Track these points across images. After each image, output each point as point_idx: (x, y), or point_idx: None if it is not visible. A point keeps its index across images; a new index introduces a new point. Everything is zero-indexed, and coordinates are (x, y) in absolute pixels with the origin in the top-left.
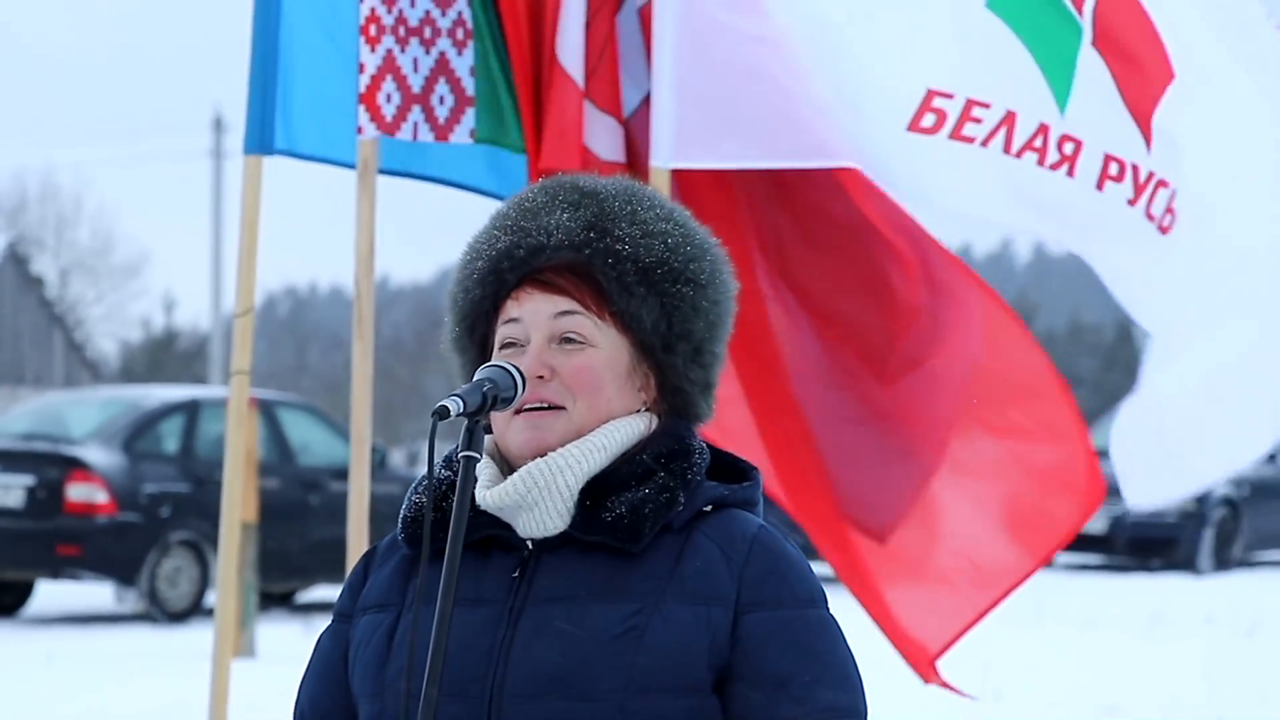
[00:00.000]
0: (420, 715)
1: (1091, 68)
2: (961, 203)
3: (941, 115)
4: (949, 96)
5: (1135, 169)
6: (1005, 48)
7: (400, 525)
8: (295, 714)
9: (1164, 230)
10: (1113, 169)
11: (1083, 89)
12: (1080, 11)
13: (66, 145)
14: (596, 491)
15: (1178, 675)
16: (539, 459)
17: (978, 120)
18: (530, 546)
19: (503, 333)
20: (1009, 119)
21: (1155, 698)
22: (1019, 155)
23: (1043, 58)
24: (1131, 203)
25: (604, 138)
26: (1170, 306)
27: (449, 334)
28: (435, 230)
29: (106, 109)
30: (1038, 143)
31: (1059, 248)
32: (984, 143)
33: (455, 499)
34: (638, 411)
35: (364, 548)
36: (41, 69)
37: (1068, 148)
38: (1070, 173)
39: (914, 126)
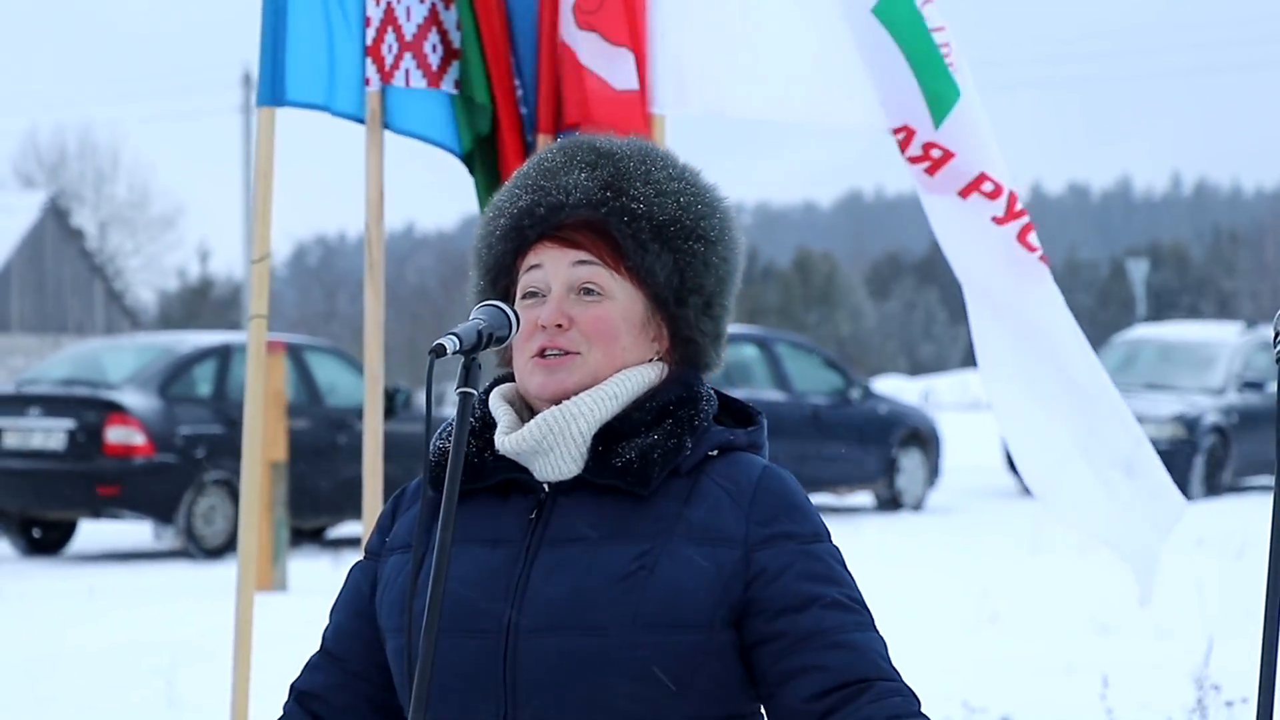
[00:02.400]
0: (422, 645)
1: (969, 112)
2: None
3: None
4: None
5: (1012, 196)
6: (888, 55)
7: (425, 470)
8: (322, 638)
9: (1045, 261)
10: (986, 186)
11: (959, 119)
12: (955, 72)
13: (103, 103)
14: (608, 437)
15: (1169, 595)
16: (554, 407)
17: None
18: (547, 489)
19: (524, 282)
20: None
21: (1149, 618)
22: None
23: (923, 77)
24: (999, 221)
25: (618, 68)
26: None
27: (473, 287)
28: (460, 179)
29: (141, 68)
30: (899, 136)
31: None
32: None
33: (453, 433)
34: (650, 361)
35: (379, 484)
36: (79, 31)
37: (935, 152)
38: (931, 171)
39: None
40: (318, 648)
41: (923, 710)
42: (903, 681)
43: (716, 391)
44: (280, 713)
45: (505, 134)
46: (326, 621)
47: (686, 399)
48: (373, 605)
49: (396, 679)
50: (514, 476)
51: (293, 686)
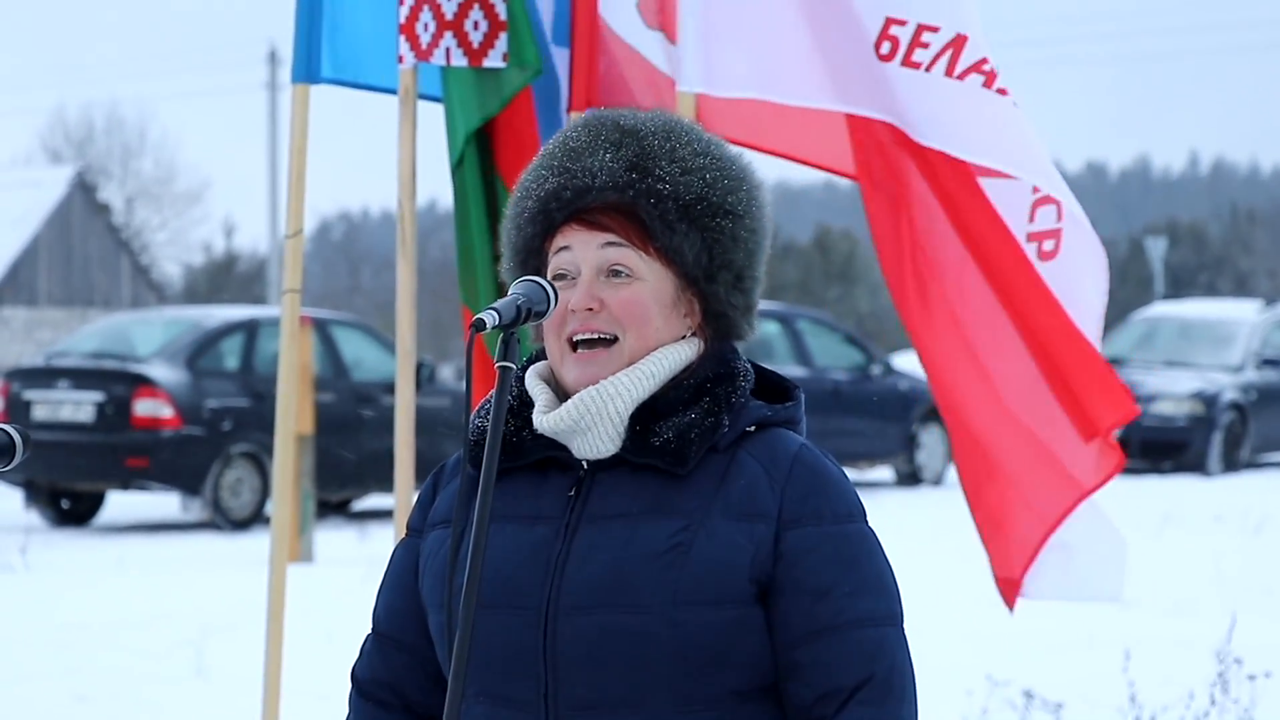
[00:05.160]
0: (460, 620)
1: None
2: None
3: (895, 43)
4: (903, 23)
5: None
6: None
7: (464, 448)
8: (372, 620)
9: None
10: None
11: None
12: None
13: (131, 80)
14: (646, 416)
15: (1188, 571)
16: (592, 387)
17: (925, 45)
18: (586, 467)
19: (554, 264)
20: (956, 42)
21: (1167, 592)
22: (962, 78)
23: None
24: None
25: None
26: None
27: (505, 267)
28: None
29: (168, 45)
30: (985, 67)
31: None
32: (928, 68)
33: (493, 407)
34: (684, 337)
35: (411, 458)
36: (107, 7)
37: (986, 66)
38: (1017, 102)
39: (876, 55)
40: (370, 631)
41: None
42: (900, 684)
43: (754, 365)
44: (346, 706)
45: (521, 108)
46: (374, 604)
47: (723, 375)
48: (417, 581)
49: (439, 654)
50: (553, 454)
51: (352, 675)
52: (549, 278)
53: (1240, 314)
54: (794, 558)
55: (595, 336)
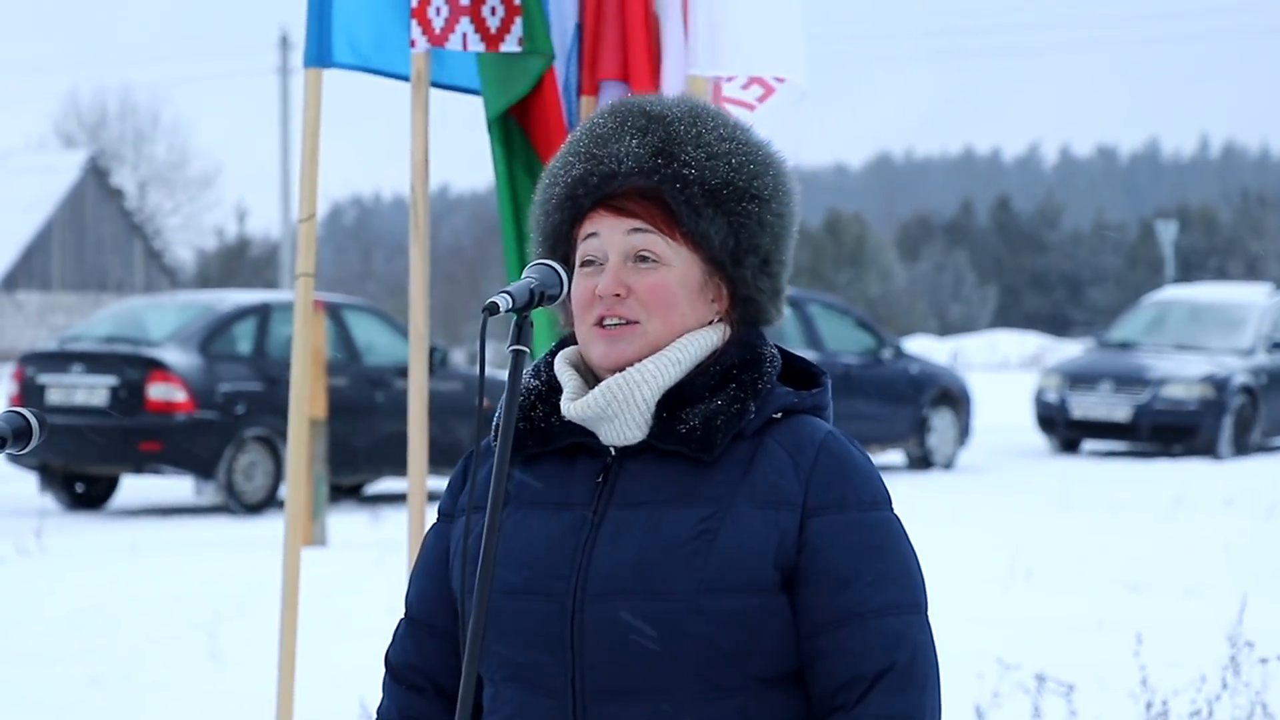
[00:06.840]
0: (474, 604)
1: None
2: None
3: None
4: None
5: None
6: None
7: (493, 433)
8: (405, 605)
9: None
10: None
11: None
12: None
13: (144, 64)
14: (672, 403)
15: (1199, 554)
16: (618, 374)
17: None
18: (613, 453)
19: (582, 250)
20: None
21: (1177, 576)
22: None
23: None
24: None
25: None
26: None
27: (534, 252)
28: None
29: (180, 30)
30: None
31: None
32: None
33: (506, 390)
34: (711, 323)
35: (423, 442)
36: None
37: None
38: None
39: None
40: (403, 616)
41: (920, 708)
42: (922, 672)
43: (781, 350)
44: (380, 692)
45: (548, 91)
46: (407, 589)
47: (750, 361)
48: (448, 566)
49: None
50: (581, 440)
51: (386, 659)
52: (578, 263)
53: (1251, 298)
54: (818, 545)
55: (622, 322)
